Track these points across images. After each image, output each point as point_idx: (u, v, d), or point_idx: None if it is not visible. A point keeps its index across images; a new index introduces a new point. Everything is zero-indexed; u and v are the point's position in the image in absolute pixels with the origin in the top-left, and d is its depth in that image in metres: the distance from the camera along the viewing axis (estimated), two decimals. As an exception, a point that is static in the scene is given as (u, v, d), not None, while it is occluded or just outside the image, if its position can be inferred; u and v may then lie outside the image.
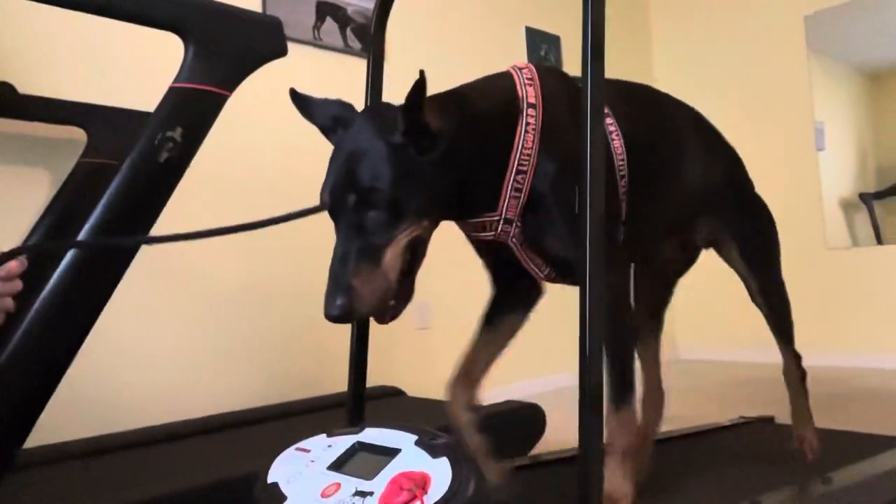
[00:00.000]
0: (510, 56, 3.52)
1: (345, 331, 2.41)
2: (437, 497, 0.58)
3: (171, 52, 1.53)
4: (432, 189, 0.98)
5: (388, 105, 1.01)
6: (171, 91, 1.48)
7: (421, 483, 0.60)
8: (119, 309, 2.08)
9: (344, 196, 0.92)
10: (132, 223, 1.47)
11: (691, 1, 4.36)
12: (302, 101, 1.05)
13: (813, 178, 3.80)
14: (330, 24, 2.74)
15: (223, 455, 1.67)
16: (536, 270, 1.18)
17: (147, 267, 2.04)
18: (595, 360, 0.92)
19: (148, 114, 1.51)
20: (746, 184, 1.62)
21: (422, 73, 0.89)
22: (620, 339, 1.12)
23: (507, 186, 1.07)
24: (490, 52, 3.38)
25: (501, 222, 1.09)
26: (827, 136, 3.81)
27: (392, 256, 0.92)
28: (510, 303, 1.29)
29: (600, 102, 0.98)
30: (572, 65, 3.78)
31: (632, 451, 1.13)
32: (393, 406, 2.18)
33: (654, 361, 1.61)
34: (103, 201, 1.42)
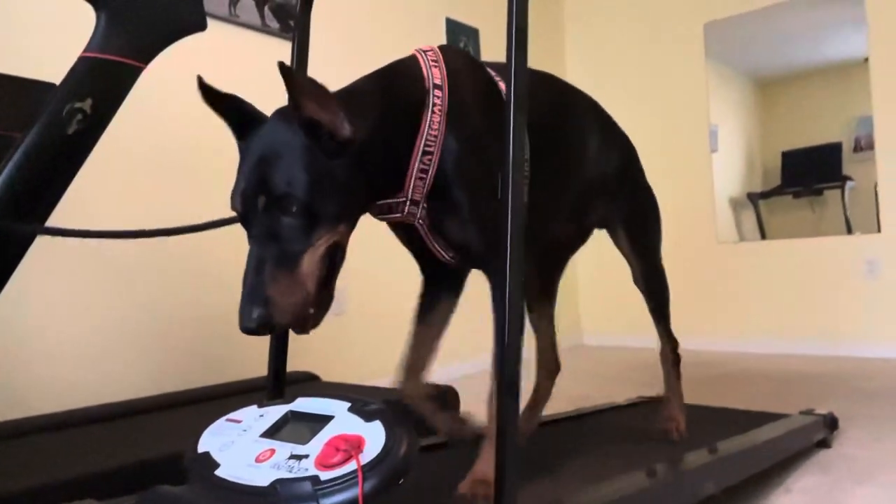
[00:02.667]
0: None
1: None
2: (372, 456, 0.61)
3: (78, 19, 1.46)
4: (349, 192, 0.95)
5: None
6: (82, 60, 1.40)
7: (356, 444, 0.62)
8: (26, 295, 1.98)
9: (257, 202, 0.88)
10: (35, 199, 1.39)
11: (603, 5, 4.54)
12: (210, 93, 0.95)
13: (707, 177, 4.07)
14: (247, 1, 2.67)
15: (140, 439, 1.62)
16: (442, 253, 1.17)
17: (52, 251, 1.93)
18: (512, 346, 0.95)
19: (52, 85, 1.44)
20: (639, 172, 1.70)
21: (283, 67, 0.82)
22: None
23: (413, 168, 1.05)
24: (411, 42, 3.37)
25: (408, 204, 1.07)
26: (720, 138, 4.09)
27: (310, 264, 0.89)
28: (440, 290, 1.29)
29: (524, 92, 1.00)
30: (488, 56, 3.85)
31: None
32: (308, 391, 2.17)
33: (549, 330, 1.70)
34: (3, 176, 1.34)
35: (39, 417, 1.79)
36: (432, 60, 1.12)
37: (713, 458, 1.47)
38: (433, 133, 1.06)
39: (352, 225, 0.98)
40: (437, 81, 1.09)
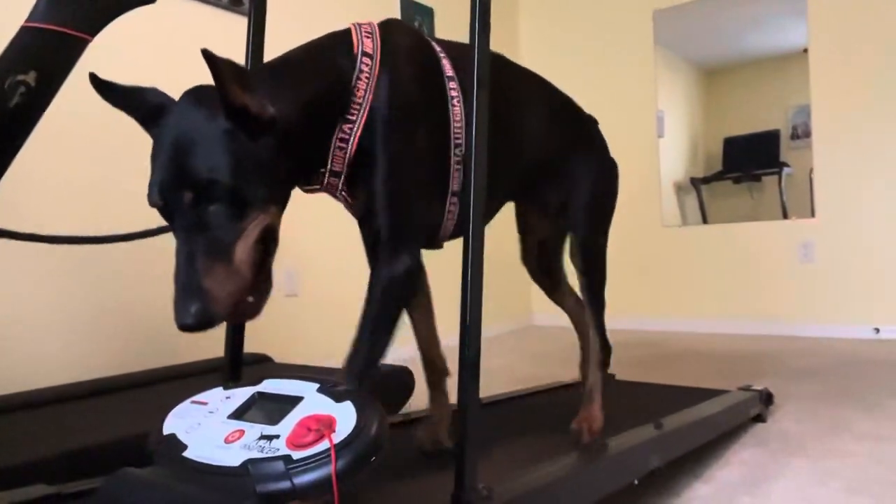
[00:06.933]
0: (382, 24, 3.51)
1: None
2: (344, 435, 0.62)
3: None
4: (275, 172, 0.90)
5: (212, 87, 0.88)
6: (24, 30, 1.34)
7: (327, 424, 0.63)
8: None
9: (178, 192, 0.82)
10: (-25, 175, 1.33)
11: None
12: (107, 88, 0.89)
13: (654, 162, 4.17)
14: (196, -26, 2.58)
15: (93, 422, 1.58)
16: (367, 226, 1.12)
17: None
18: (474, 327, 0.97)
19: (-8, 56, 1.37)
20: (596, 149, 1.67)
21: (207, 54, 0.79)
22: (392, 316, 1.04)
23: (334, 137, 1.01)
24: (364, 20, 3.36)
25: (328, 175, 1.03)
26: (666, 124, 4.19)
27: (244, 250, 0.84)
28: None
29: (486, 75, 1.02)
30: (443, 36, 3.83)
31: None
32: (262, 372, 2.15)
33: (571, 298, 1.76)
34: (-62, 151, 1.28)
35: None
36: (366, 32, 1.10)
37: (658, 434, 1.53)
38: (357, 101, 1.02)
39: (283, 205, 0.94)
40: (368, 51, 1.06)
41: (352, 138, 1.02)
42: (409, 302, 1.20)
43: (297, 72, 1.01)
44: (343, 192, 1.07)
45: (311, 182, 1.05)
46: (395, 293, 1.02)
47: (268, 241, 0.89)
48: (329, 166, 1.03)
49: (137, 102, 0.90)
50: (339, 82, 1.03)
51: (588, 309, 1.57)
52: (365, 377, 0.95)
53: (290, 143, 0.92)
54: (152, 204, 0.85)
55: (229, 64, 0.82)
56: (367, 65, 1.04)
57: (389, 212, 1.03)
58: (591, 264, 1.56)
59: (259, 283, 0.88)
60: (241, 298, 0.84)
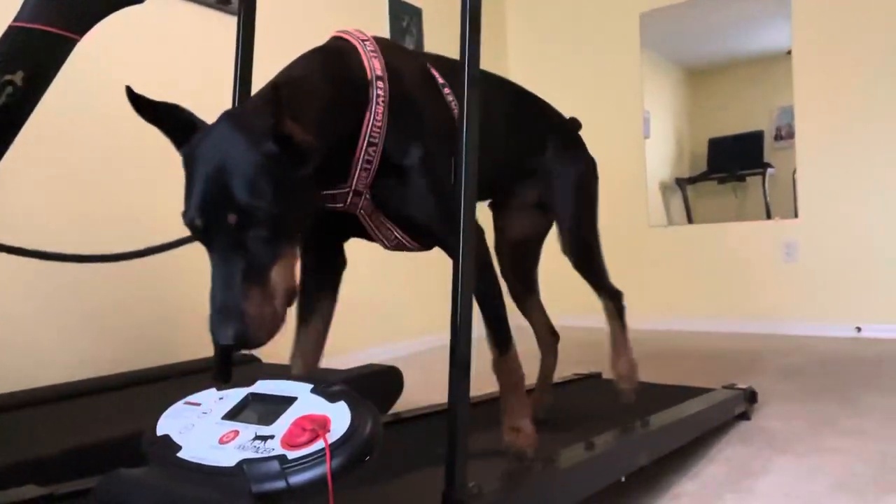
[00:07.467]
0: (372, 24, 3.51)
1: (197, 296, 2.32)
2: (338, 435, 0.63)
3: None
4: (309, 199, 0.94)
5: (251, 111, 0.92)
6: (12, 30, 1.34)
7: (322, 424, 0.64)
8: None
9: (219, 215, 0.82)
10: (-39, 175, 1.33)
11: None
12: (142, 103, 0.88)
13: (640, 163, 4.21)
14: (183, -27, 2.56)
15: (82, 422, 1.57)
16: (384, 240, 1.21)
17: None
18: (465, 325, 0.99)
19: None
20: (571, 146, 1.71)
21: (276, 88, 0.83)
22: (490, 293, 1.23)
23: (358, 159, 1.07)
24: (353, 20, 3.35)
25: (351, 194, 1.09)
26: (652, 125, 4.23)
27: (278, 276, 0.86)
28: (321, 288, 1.28)
29: (476, 76, 1.04)
30: (431, 37, 3.85)
31: (523, 384, 1.29)
32: (252, 373, 2.15)
33: (540, 313, 1.79)
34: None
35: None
36: (371, 51, 1.13)
37: (645, 432, 1.55)
38: (378, 124, 1.08)
39: (304, 231, 0.97)
40: (379, 73, 1.11)
41: (375, 160, 1.08)
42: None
43: (320, 95, 1.01)
44: (363, 210, 1.13)
45: (334, 201, 1.10)
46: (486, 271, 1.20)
47: (295, 269, 0.92)
48: (353, 186, 1.08)
49: (171, 120, 0.91)
50: (355, 104, 1.07)
51: (593, 283, 1.74)
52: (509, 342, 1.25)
53: (319, 169, 0.94)
54: (189, 223, 0.85)
55: (286, 97, 0.84)
56: (381, 88, 1.09)
57: (446, 217, 1.08)
58: (585, 252, 1.68)
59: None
60: (277, 323, 0.86)
